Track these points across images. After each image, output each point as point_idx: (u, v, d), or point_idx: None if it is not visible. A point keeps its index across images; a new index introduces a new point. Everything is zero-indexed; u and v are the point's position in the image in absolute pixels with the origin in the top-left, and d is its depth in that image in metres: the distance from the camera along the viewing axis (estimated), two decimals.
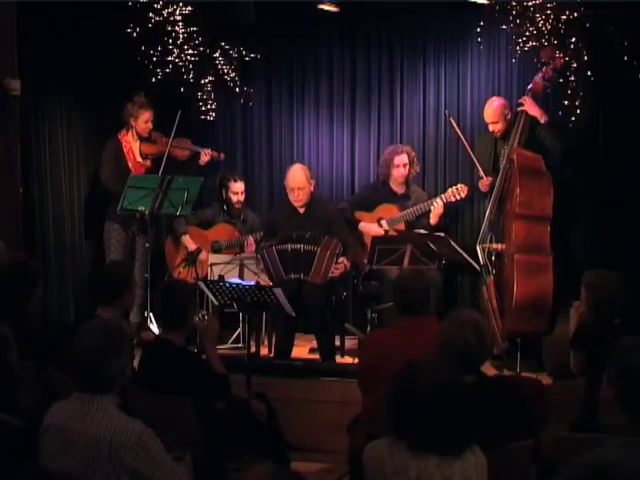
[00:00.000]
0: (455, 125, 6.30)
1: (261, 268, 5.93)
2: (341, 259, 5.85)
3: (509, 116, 6.00)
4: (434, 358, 3.13)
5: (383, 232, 6.28)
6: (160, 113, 6.51)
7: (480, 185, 6.14)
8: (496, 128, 6.01)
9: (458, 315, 3.27)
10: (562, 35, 5.67)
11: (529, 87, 5.90)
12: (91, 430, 2.73)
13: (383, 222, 6.35)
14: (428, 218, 6.22)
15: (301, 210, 6.08)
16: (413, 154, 6.43)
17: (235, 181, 6.55)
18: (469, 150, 6.21)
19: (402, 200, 6.40)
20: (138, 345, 5.35)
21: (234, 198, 6.54)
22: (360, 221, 6.37)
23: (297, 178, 6.00)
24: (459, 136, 6.27)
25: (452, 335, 3.15)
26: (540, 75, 5.84)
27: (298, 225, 5.99)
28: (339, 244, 5.84)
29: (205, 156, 6.56)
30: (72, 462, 2.74)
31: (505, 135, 6.04)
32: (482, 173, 6.09)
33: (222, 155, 6.73)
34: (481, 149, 6.27)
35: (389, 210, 6.37)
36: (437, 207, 6.17)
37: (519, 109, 5.89)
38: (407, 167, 6.34)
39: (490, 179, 6.03)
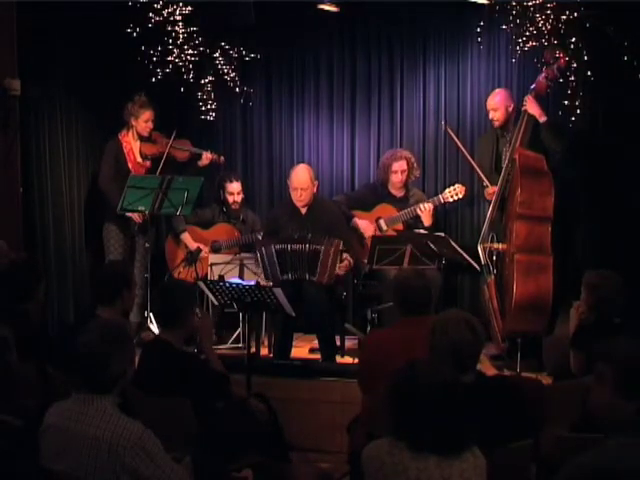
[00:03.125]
0: (454, 135, 6.30)
1: (258, 265, 5.92)
2: (344, 256, 5.86)
3: (510, 108, 6.01)
4: (430, 358, 3.13)
5: (374, 230, 6.30)
6: (160, 113, 6.51)
7: (486, 194, 6.14)
8: (495, 116, 6.01)
9: (448, 315, 3.26)
10: (562, 35, 5.67)
11: (532, 87, 5.90)
12: (91, 430, 2.73)
13: (382, 222, 6.36)
14: (420, 222, 6.22)
15: (303, 210, 6.08)
16: (413, 160, 6.42)
17: (231, 182, 6.55)
18: (470, 160, 6.20)
19: (400, 203, 6.40)
20: (138, 345, 5.34)
21: (230, 199, 6.55)
22: (354, 216, 6.38)
23: (301, 178, 5.99)
24: (458, 146, 6.27)
25: (448, 334, 3.14)
26: (543, 75, 5.84)
27: (299, 225, 5.99)
28: (340, 242, 5.84)
29: (205, 159, 6.56)
30: (72, 462, 2.74)
31: (505, 129, 6.04)
32: (486, 182, 6.08)
33: (222, 158, 6.72)
34: (483, 149, 6.27)
35: (387, 210, 6.38)
36: (426, 210, 6.17)
37: (522, 108, 5.89)
38: (405, 173, 6.35)
39: (495, 188, 5.98)
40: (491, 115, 6.05)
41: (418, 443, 2.55)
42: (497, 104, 6.00)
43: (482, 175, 6.11)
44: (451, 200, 6.24)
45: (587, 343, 3.99)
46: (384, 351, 3.72)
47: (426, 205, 6.18)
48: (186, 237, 6.47)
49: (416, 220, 6.28)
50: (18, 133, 6.09)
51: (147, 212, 6.09)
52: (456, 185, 6.26)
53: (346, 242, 6.02)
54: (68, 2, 6.06)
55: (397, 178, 6.34)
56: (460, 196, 6.21)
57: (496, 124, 6.06)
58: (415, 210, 6.23)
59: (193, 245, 6.37)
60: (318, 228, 5.94)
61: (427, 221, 6.20)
